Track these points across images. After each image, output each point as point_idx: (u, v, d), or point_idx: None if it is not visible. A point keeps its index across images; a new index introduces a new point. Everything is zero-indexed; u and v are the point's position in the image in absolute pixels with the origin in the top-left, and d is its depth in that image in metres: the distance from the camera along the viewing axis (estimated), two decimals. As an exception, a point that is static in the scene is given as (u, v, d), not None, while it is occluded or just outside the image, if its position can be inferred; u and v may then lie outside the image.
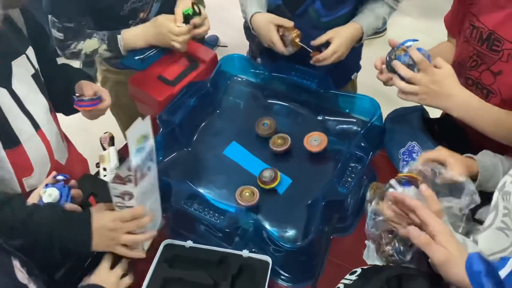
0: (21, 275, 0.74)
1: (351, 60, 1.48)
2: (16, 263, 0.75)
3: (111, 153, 1.24)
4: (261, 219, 1.09)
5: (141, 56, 1.30)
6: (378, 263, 1.05)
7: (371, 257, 1.07)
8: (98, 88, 1.16)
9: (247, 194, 1.13)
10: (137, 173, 0.87)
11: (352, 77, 1.55)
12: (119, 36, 1.26)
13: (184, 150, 1.28)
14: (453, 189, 0.94)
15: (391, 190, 0.92)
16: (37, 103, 1.07)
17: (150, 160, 0.91)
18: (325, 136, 1.22)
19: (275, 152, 1.24)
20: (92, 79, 1.28)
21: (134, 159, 0.85)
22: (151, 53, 1.31)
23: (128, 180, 0.88)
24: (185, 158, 1.26)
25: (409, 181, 0.91)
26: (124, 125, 1.63)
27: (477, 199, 0.91)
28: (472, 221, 0.96)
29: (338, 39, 1.27)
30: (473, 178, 0.94)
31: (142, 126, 0.86)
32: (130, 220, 0.92)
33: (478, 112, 0.97)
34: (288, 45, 1.29)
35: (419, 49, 0.99)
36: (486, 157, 0.97)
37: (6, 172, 1.04)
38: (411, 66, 1.00)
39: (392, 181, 0.92)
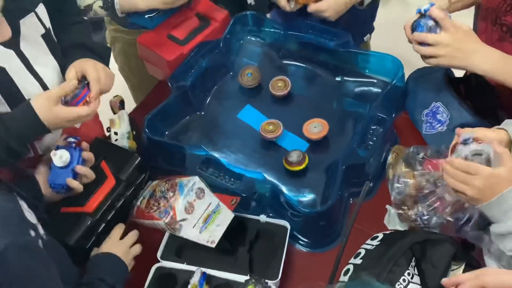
0: (30, 215, 0.72)
1: (363, 20, 1.40)
2: (23, 204, 0.72)
3: (122, 117, 1.20)
4: (278, 184, 1.05)
5: (151, 15, 1.22)
6: (400, 228, 1.03)
7: (392, 222, 1.04)
8: (80, 67, 0.98)
9: (270, 127, 1.14)
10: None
11: (365, 38, 1.46)
12: None
13: (197, 114, 1.23)
14: None
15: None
16: (47, 64, 1.02)
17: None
18: (326, 122, 1.14)
19: (275, 96, 1.19)
20: (105, 48, 1.20)
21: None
22: (160, 12, 1.24)
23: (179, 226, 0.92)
24: (198, 122, 1.22)
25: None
26: (135, 89, 1.58)
27: None
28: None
29: (326, 1, 1.19)
30: None
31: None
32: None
33: (504, 64, 0.93)
34: (291, 0, 1.22)
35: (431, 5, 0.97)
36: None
37: None
38: (433, 29, 0.97)
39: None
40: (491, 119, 1.05)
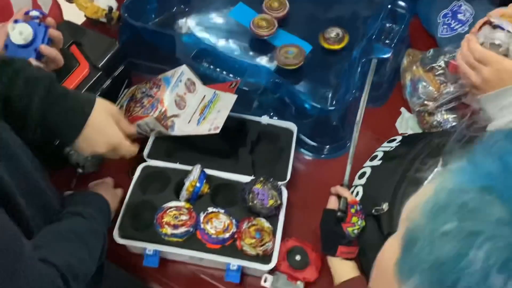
0: None
1: None
2: None
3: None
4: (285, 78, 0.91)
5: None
6: (410, 131, 0.93)
7: (404, 126, 0.94)
8: None
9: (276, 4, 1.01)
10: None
11: None
12: None
13: (181, 8, 1.05)
14: None
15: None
16: None
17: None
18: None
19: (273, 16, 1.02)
20: None
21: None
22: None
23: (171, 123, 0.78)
24: (184, 15, 1.04)
25: None
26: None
27: None
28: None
29: None
30: None
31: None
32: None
33: None
34: None
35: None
36: None
37: None
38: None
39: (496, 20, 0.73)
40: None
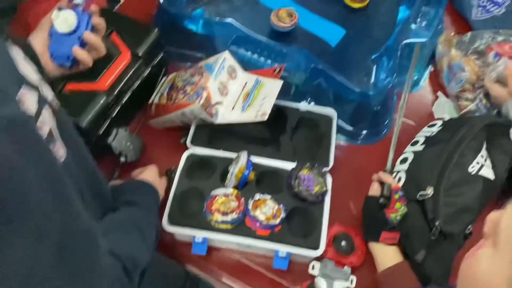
0: (27, 69, 0.48)
1: None
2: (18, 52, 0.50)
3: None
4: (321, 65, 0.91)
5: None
6: (448, 117, 0.93)
7: (441, 110, 0.94)
8: None
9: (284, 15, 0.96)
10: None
11: None
12: None
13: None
14: None
15: None
16: None
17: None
18: None
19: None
20: None
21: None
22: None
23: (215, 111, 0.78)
24: (212, 7, 1.03)
25: None
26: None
27: None
28: None
29: None
30: None
31: None
32: None
33: None
34: None
35: None
36: None
37: None
38: None
39: None
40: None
